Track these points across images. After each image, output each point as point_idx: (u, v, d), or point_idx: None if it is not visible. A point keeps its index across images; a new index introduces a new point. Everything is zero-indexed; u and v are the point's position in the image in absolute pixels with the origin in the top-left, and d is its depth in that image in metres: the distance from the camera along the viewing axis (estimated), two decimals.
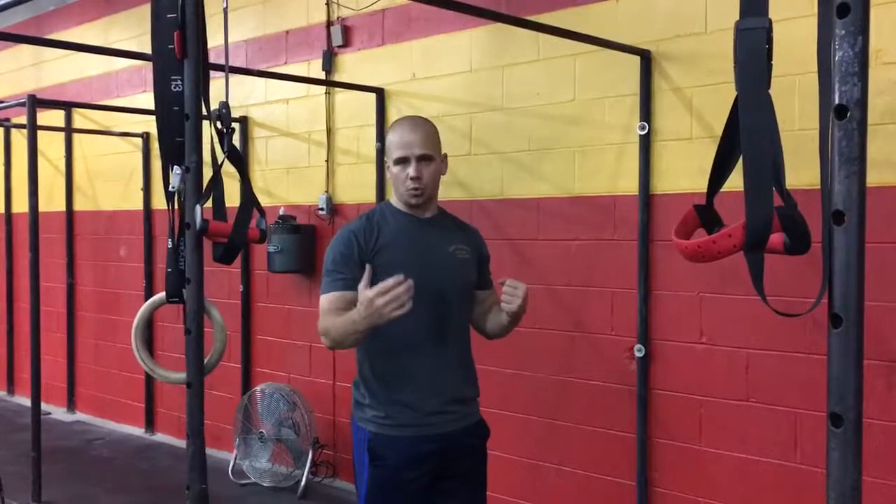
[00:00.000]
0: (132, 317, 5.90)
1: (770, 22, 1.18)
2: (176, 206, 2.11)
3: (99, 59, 6.03)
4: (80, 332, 6.52)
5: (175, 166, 2.04)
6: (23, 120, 5.77)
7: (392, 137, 2.37)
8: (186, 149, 2.03)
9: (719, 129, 3.42)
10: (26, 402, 6.96)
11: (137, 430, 5.96)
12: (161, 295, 2.16)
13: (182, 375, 2.06)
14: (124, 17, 5.99)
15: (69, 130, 6.32)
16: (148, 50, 5.63)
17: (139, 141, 5.86)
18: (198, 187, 2.02)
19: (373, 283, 2.11)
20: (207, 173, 2.12)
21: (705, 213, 1.31)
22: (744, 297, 3.18)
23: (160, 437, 5.83)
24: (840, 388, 1.12)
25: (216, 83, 2.27)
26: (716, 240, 1.16)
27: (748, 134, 1.15)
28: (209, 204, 2.18)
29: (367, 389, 2.38)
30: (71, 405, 6.55)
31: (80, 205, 6.46)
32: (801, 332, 3.05)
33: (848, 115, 1.09)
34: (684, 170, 3.37)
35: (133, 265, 5.96)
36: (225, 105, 2.07)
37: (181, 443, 5.60)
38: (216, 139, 2.15)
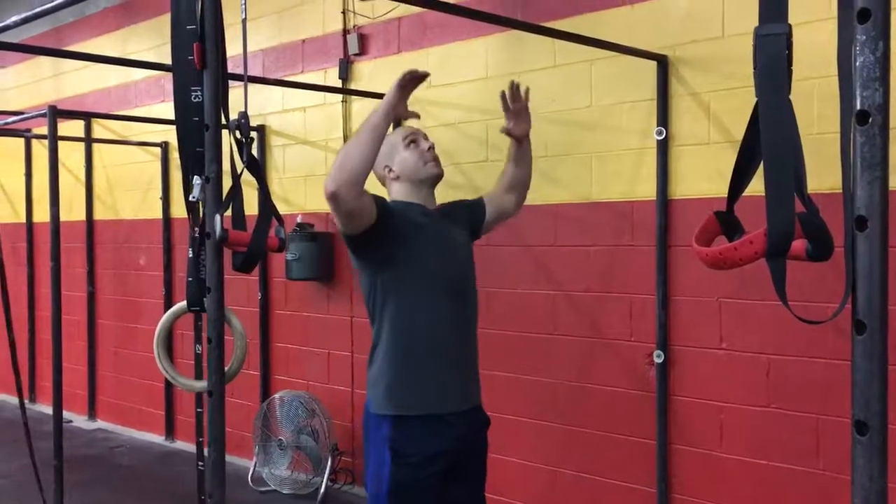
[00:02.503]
0: (152, 325, 5.95)
1: (790, 27, 1.18)
2: (198, 216, 2.13)
3: (117, 70, 6.09)
4: (100, 340, 6.58)
5: (195, 176, 2.05)
6: (43, 130, 5.85)
7: (391, 138, 2.50)
8: (206, 159, 2.04)
9: (737, 133, 3.40)
10: (48, 409, 7.01)
11: (158, 438, 6.00)
12: (182, 304, 2.17)
13: (203, 384, 2.07)
14: (142, 28, 6.05)
15: (89, 140, 6.38)
16: (166, 60, 5.67)
17: (158, 150, 5.90)
18: (218, 197, 2.04)
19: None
20: (227, 183, 2.14)
21: (726, 220, 1.30)
22: (764, 301, 3.16)
23: (180, 444, 5.86)
24: (864, 395, 1.11)
25: (234, 92, 2.29)
26: (737, 247, 1.16)
27: (769, 140, 1.15)
28: (228, 213, 2.20)
29: (394, 373, 2.40)
30: (92, 413, 6.60)
31: (99, 214, 6.52)
32: (823, 337, 3.02)
33: (870, 120, 1.09)
34: (702, 174, 3.36)
35: (152, 273, 6.00)
36: (244, 115, 2.09)
37: None
38: (235, 149, 2.17)
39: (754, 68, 1.19)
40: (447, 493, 2.46)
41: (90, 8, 6.53)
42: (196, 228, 2.10)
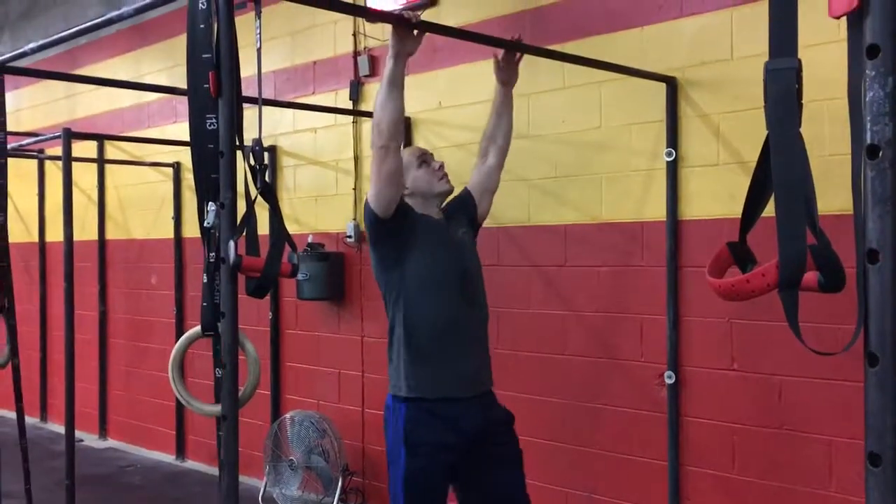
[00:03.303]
0: (163, 344, 6.00)
1: (800, 62, 1.20)
2: (212, 241, 2.15)
3: (130, 91, 6.14)
4: (111, 360, 6.60)
5: (210, 202, 2.08)
6: (57, 151, 5.91)
7: (403, 157, 2.71)
8: (221, 185, 2.07)
9: (746, 154, 3.44)
10: (59, 429, 7.04)
11: (168, 457, 6.01)
12: (197, 329, 2.19)
13: (218, 408, 2.08)
14: (155, 50, 6.12)
15: (102, 161, 6.44)
16: (178, 82, 5.75)
17: (170, 171, 5.95)
18: (232, 223, 2.06)
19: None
20: (240, 205, 2.16)
21: (738, 250, 1.31)
22: (775, 323, 3.15)
23: (191, 463, 5.87)
24: (878, 427, 1.12)
25: (247, 114, 2.32)
26: (749, 279, 1.17)
27: (780, 174, 1.16)
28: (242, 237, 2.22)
29: (409, 361, 2.65)
30: (103, 432, 6.62)
31: (111, 233, 6.57)
32: (835, 360, 3.00)
33: (880, 154, 1.10)
34: (712, 195, 3.37)
35: (164, 293, 6.04)
36: (258, 142, 2.11)
37: (212, 469, 5.63)
38: (248, 173, 2.19)
39: (765, 102, 1.20)
40: (485, 481, 2.72)
41: (103, 31, 6.60)
42: (211, 254, 2.11)
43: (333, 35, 4.86)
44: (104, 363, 6.60)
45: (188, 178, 5.89)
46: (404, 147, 2.86)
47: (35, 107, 7.39)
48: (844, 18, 1.15)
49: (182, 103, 5.87)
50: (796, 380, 3.15)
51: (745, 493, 3.29)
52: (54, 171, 7.03)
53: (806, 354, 3.04)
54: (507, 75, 3.05)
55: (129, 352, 6.43)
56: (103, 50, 6.58)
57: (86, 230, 6.52)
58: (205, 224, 2.08)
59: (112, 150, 6.52)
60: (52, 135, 4.87)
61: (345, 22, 4.77)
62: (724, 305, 3.31)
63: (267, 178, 2.33)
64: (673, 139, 3.45)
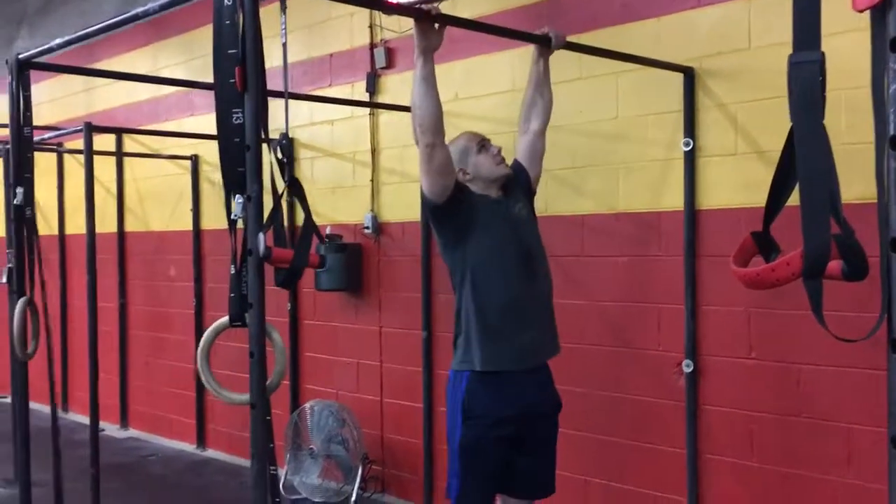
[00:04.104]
0: (182, 335, 6.07)
1: (823, 55, 1.22)
2: (237, 232, 2.19)
3: (148, 85, 6.19)
4: (132, 351, 6.68)
5: (237, 195, 2.12)
6: (76, 145, 5.97)
7: (462, 143, 2.91)
8: (248, 178, 2.10)
9: (764, 144, 3.44)
10: (81, 418, 7.14)
11: (189, 447, 6.08)
12: (224, 319, 2.23)
13: (246, 397, 2.13)
14: (172, 44, 6.16)
15: (120, 154, 6.50)
16: (195, 75, 5.79)
17: (188, 163, 6.00)
18: (259, 215, 2.10)
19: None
20: (266, 198, 2.20)
21: (762, 240, 1.34)
22: (793, 312, 3.17)
23: (211, 452, 5.94)
24: None
25: (270, 106, 2.35)
26: (775, 268, 1.20)
27: (804, 164, 1.19)
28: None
29: (472, 336, 2.76)
30: (124, 422, 6.70)
31: (130, 226, 6.64)
32: (854, 348, 3.02)
33: None
34: (730, 185, 3.38)
35: (183, 284, 6.10)
36: (285, 136, 2.15)
37: (233, 458, 5.71)
38: (275, 167, 2.23)
39: (789, 94, 1.23)
40: (517, 462, 2.83)
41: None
42: (238, 246, 2.15)
43: (350, 27, 4.89)
44: (124, 354, 6.68)
45: (206, 170, 5.95)
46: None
47: (53, 101, 7.45)
48: (867, 12, 1.17)
49: (199, 96, 5.93)
50: (815, 368, 3.17)
51: (763, 480, 3.32)
52: (73, 165, 7.11)
53: (824, 342, 3.06)
54: (547, 49, 3.12)
55: (148, 343, 6.51)
56: (121, 44, 6.62)
57: (105, 223, 6.57)
58: (232, 216, 2.12)
59: (130, 143, 6.58)
60: (73, 129, 4.92)
61: (361, 14, 4.80)
62: (742, 295, 3.33)
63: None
64: (690, 129, 3.46)
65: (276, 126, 2.36)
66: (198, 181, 5.99)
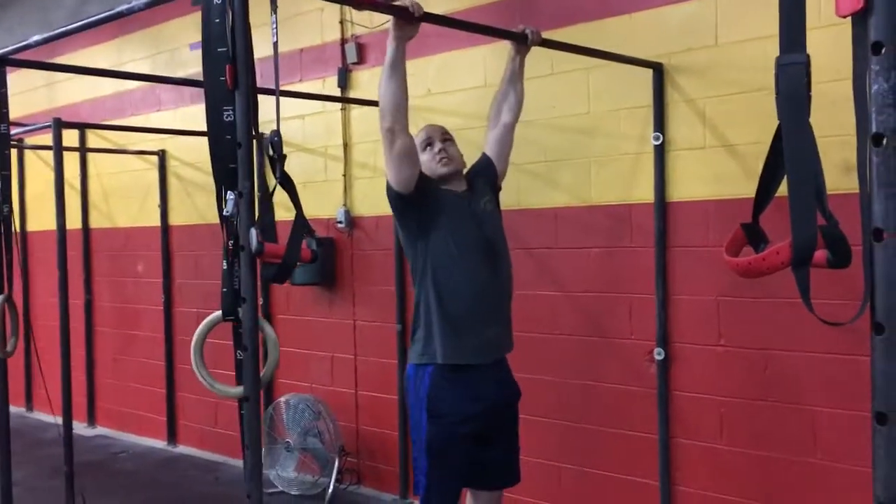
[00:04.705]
0: (152, 331, 6.03)
1: (808, 57, 1.30)
2: (231, 228, 2.22)
3: (112, 79, 6.12)
4: (98, 348, 6.62)
5: (229, 192, 2.15)
6: (38, 140, 5.89)
7: (417, 138, 2.92)
8: (239, 175, 2.14)
9: (732, 138, 3.55)
10: (46, 417, 7.05)
11: (159, 443, 6.06)
12: (217, 314, 2.26)
13: (239, 389, 2.17)
14: (136, 38, 6.10)
15: (84, 150, 6.42)
16: (160, 69, 5.73)
17: (155, 159, 5.95)
18: (251, 211, 2.13)
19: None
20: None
21: (751, 231, 1.42)
22: (761, 299, 3.29)
23: (182, 448, 5.93)
24: (884, 390, 1.23)
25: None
26: (765, 257, 1.28)
27: (792, 161, 1.27)
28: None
29: (434, 329, 2.79)
30: (91, 420, 6.64)
31: (95, 222, 6.57)
32: (819, 332, 3.14)
33: (884, 142, 1.21)
34: (698, 178, 3.48)
35: (151, 280, 6.06)
36: (277, 133, 2.18)
37: (204, 454, 5.71)
38: (268, 163, 2.27)
39: (777, 94, 1.30)
40: (483, 455, 2.88)
41: (81, 18, 6.56)
42: (230, 241, 2.19)
43: (320, 22, 4.91)
44: (91, 351, 6.61)
45: (174, 165, 5.91)
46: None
47: (14, 96, 7.28)
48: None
49: (166, 91, 5.89)
50: (781, 353, 3.29)
51: (733, 462, 3.44)
52: (34, 161, 7.00)
53: (790, 329, 3.20)
54: (524, 46, 3.17)
55: (116, 340, 6.46)
56: (84, 38, 6.51)
57: (69, 219, 6.47)
58: (224, 213, 2.15)
59: (94, 138, 6.50)
60: (41, 124, 4.86)
61: (331, 9, 4.81)
62: (711, 284, 3.45)
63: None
64: (660, 123, 3.56)
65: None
66: (165, 176, 5.95)
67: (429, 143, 2.97)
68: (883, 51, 1.21)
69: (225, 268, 2.19)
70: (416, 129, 2.97)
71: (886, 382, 1.22)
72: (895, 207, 1.21)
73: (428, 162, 2.94)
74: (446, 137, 3.02)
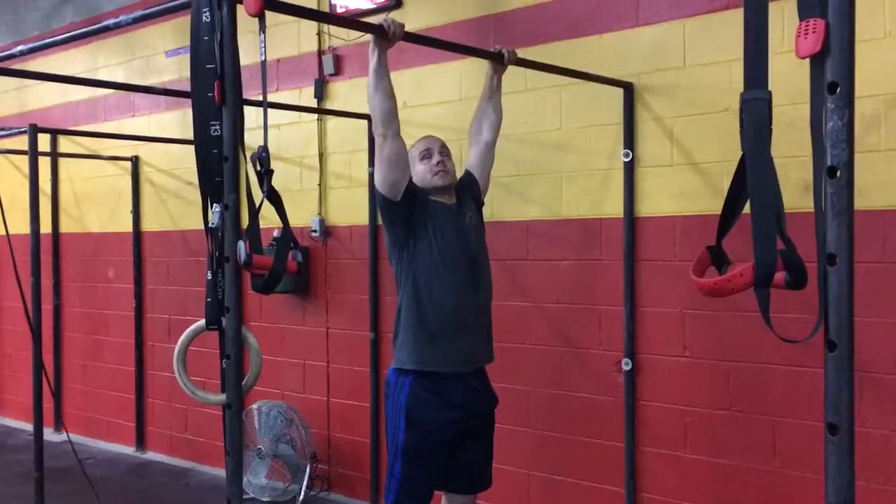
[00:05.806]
0: (122, 337, 6.02)
1: (770, 94, 1.40)
2: (216, 239, 2.28)
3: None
4: (66, 353, 6.59)
5: (215, 204, 2.21)
6: (6, 144, 5.86)
7: (415, 149, 3.07)
8: (225, 188, 2.20)
9: (698, 156, 3.67)
10: (12, 422, 7.00)
11: (128, 449, 6.05)
12: (200, 322, 2.32)
13: (222, 397, 2.22)
14: (111, 43, 6.10)
15: (55, 155, 6.40)
16: (134, 76, 5.73)
17: (128, 165, 5.96)
18: (236, 224, 2.20)
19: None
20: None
21: (716, 253, 1.52)
22: (724, 313, 3.41)
23: (151, 454, 5.92)
24: (835, 402, 1.34)
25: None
26: (730, 279, 1.38)
27: (755, 190, 1.37)
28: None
29: (413, 336, 2.89)
30: (58, 425, 6.59)
31: (66, 227, 6.54)
32: (779, 346, 3.28)
33: (838, 174, 1.32)
34: (666, 194, 3.61)
35: (122, 286, 6.06)
36: (264, 149, 2.25)
37: (173, 460, 5.72)
38: (251, 176, 2.33)
39: (741, 127, 1.41)
40: (457, 460, 2.97)
41: (55, 22, 6.55)
42: (216, 252, 2.24)
43: (297, 34, 4.96)
44: (58, 356, 6.58)
45: (147, 171, 5.92)
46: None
47: None
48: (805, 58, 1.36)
49: (140, 98, 5.90)
50: (743, 365, 3.42)
51: (696, 470, 3.55)
52: (2, 163, 6.95)
53: (752, 342, 3.33)
54: (501, 65, 3.27)
55: (85, 345, 6.43)
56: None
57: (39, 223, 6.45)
58: (210, 224, 2.21)
59: (66, 143, 6.48)
60: (15, 129, 4.85)
61: (308, 21, 4.86)
62: (677, 297, 3.57)
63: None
64: (630, 141, 3.68)
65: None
66: (138, 183, 5.95)
67: (428, 155, 3.06)
68: (838, 90, 1.32)
69: (209, 278, 2.25)
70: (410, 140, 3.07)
71: (837, 395, 1.33)
72: (847, 235, 1.32)
73: (424, 172, 3.02)
74: (444, 151, 3.11)
